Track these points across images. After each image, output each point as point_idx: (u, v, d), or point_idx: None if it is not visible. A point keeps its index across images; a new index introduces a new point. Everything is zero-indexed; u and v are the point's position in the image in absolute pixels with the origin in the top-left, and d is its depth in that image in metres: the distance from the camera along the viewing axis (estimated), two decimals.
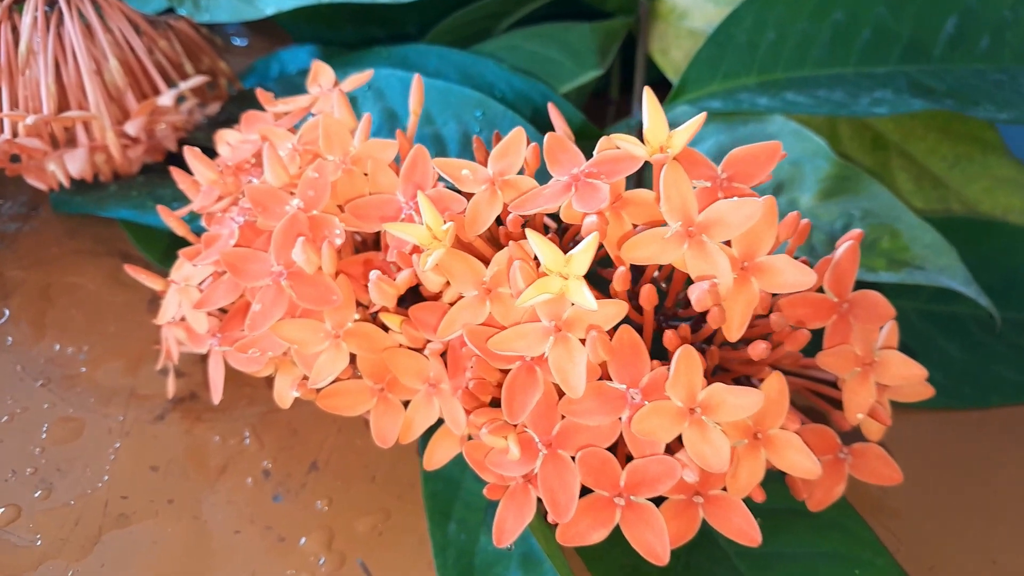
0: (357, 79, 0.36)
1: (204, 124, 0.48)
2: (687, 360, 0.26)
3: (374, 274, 0.28)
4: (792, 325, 0.28)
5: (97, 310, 0.43)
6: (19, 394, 0.38)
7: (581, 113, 0.43)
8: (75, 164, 0.43)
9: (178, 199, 0.44)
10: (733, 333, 0.27)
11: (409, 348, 0.31)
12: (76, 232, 0.47)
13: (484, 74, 0.44)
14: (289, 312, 0.30)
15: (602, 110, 0.54)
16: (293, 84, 0.48)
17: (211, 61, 0.48)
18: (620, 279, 0.26)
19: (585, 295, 0.25)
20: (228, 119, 0.49)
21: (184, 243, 0.44)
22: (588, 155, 0.32)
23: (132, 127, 0.42)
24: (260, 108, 0.50)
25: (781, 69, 0.43)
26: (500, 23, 0.50)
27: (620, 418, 0.27)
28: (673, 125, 0.40)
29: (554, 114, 0.34)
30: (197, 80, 0.44)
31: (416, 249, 0.29)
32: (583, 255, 0.26)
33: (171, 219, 0.35)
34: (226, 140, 0.37)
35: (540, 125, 0.41)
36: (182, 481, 0.35)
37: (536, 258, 0.27)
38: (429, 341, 0.30)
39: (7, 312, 0.42)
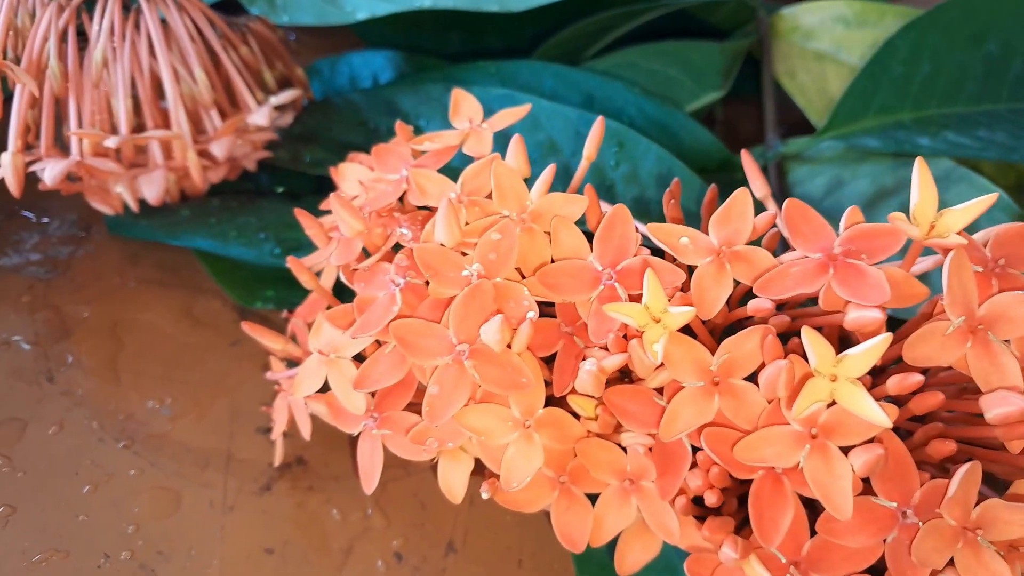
0: (512, 114, 0.31)
1: (279, 139, 0.43)
2: (972, 478, 0.23)
3: (590, 363, 0.24)
4: None
5: (173, 354, 0.38)
6: (100, 458, 0.33)
7: (720, 142, 0.39)
8: (152, 188, 0.37)
9: (265, 229, 0.39)
10: (1017, 448, 0.23)
11: (600, 436, 0.27)
12: (138, 259, 0.41)
13: (612, 98, 0.39)
14: (470, 398, 0.26)
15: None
16: (382, 99, 0.43)
17: (286, 67, 0.43)
18: (903, 387, 0.23)
19: (870, 406, 0.22)
20: (303, 133, 0.44)
21: (277, 277, 0.39)
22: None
23: (219, 148, 0.37)
24: (336, 118, 0.45)
25: (935, 105, 0.39)
26: (605, 37, 0.46)
27: (885, 539, 0.23)
28: (821, 159, 0.36)
29: (748, 164, 0.30)
30: (292, 95, 0.39)
31: (627, 329, 0.25)
32: (864, 358, 0.22)
33: (303, 273, 0.30)
34: (352, 176, 0.32)
35: (680, 158, 0.37)
36: (304, 567, 0.31)
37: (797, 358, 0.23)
38: (623, 429, 0.26)
39: (70, 357, 0.37)
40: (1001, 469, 0.26)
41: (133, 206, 0.39)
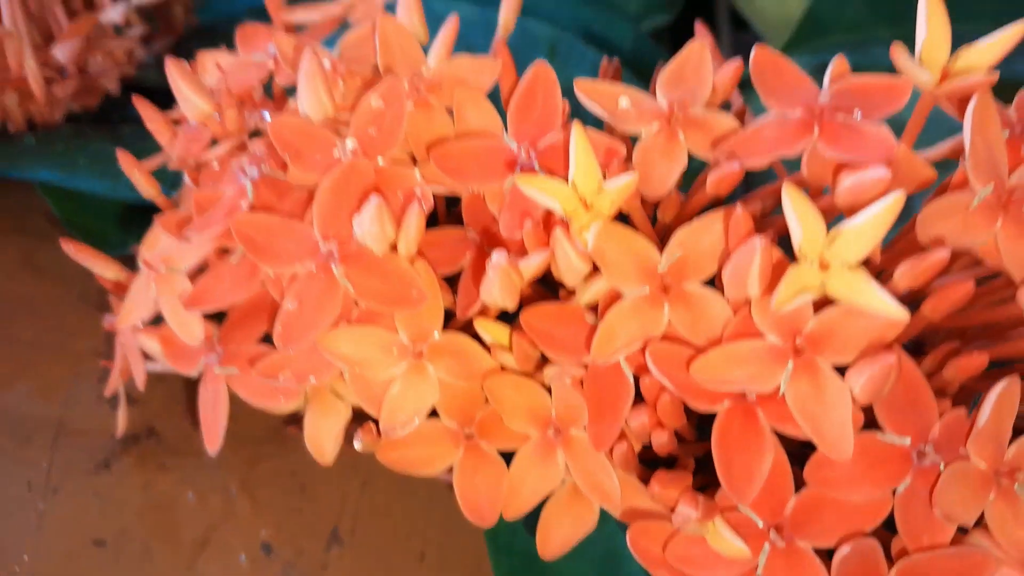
0: None
1: (151, 64, 0.37)
2: (1009, 401, 0.17)
3: (499, 256, 0.18)
4: None
5: (3, 308, 0.30)
6: None
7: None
8: None
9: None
10: None
11: (517, 373, 0.20)
12: None
13: (543, 4, 0.34)
14: (341, 316, 0.19)
15: None
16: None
17: None
18: (920, 271, 0.17)
19: (880, 295, 0.16)
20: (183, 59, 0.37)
21: (140, 220, 0.32)
22: None
23: (63, 52, 0.31)
24: (223, 43, 0.39)
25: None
26: None
27: (895, 490, 0.17)
28: None
29: (701, 31, 0.24)
30: None
31: (551, 220, 0.19)
32: (868, 230, 0.16)
33: (137, 171, 0.24)
34: (214, 63, 0.26)
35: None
36: (143, 563, 0.24)
37: None
38: (547, 364, 0.20)
39: None
40: None
41: None
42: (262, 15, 0.38)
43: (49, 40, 0.33)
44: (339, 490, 0.26)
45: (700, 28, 0.24)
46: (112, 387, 0.25)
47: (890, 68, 0.29)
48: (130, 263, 0.26)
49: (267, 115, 0.23)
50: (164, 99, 0.36)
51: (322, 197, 0.19)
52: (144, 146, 0.33)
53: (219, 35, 0.38)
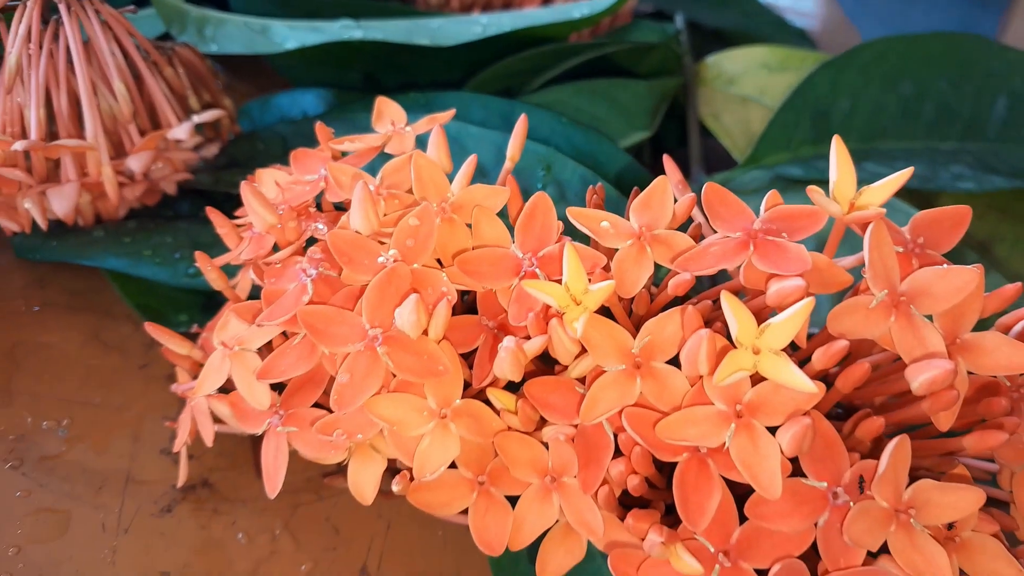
0: (435, 119, 0.31)
1: (202, 167, 0.42)
2: (902, 453, 0.22)
3: (509, 341, 0.23)
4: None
5: (77, 377, 0.35)
6: None
7: (645, 169, 0.39)
8: (62, 202, 0.36)
9: (181, 248, 0.38)
10: (944, 423, 0.23)
11: (521, 432, 0.25)
12: (45, 283, 0.39)
13: (539, 127, 0.40)
14: (383, 386, 0.24)
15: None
16: (308, 128, 0.43)
17: (213, 97, 0.43)
18: (828, 356, 0.22)
19: (797, 374, 0.21)
20: (229, 163, 0.43)
21: (192, 302, 0.37)
22: None
23: (136, 162, 0.36)
24: (262, 148, 0.44)
25: (855, 140, 0.40)
26: (537, 79, 0.47)
27: (816, 523, 0.22)
28: (745, 190, 0.36)
29: (669, 165, 0.30)
30: (214, 114, 0.38)
31: (548, 312, 0.24)
32: (787, 325, 0.21)
33: (212, 270, 0.29)
34: (269, 179, 0.31)
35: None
36: None
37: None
38: (545, 425, 0.25)
39: None
40: (932, 462, 0.25)
41: (41, 223, 0.37)
42: (292, 123, 0.45)
43: (120, 149, 0.38)
44: (367, 532, 0.31)
45: (668, 162, 0.30)
46: (180, 444, 0.29)
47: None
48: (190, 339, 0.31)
49: (321, 226, 0.28)
50: (211, 198, 0.42)
51: (370, 294, 0.24)
52: (197, 239, 0.39)
53: (257, 139, 0.44)
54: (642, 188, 0.34)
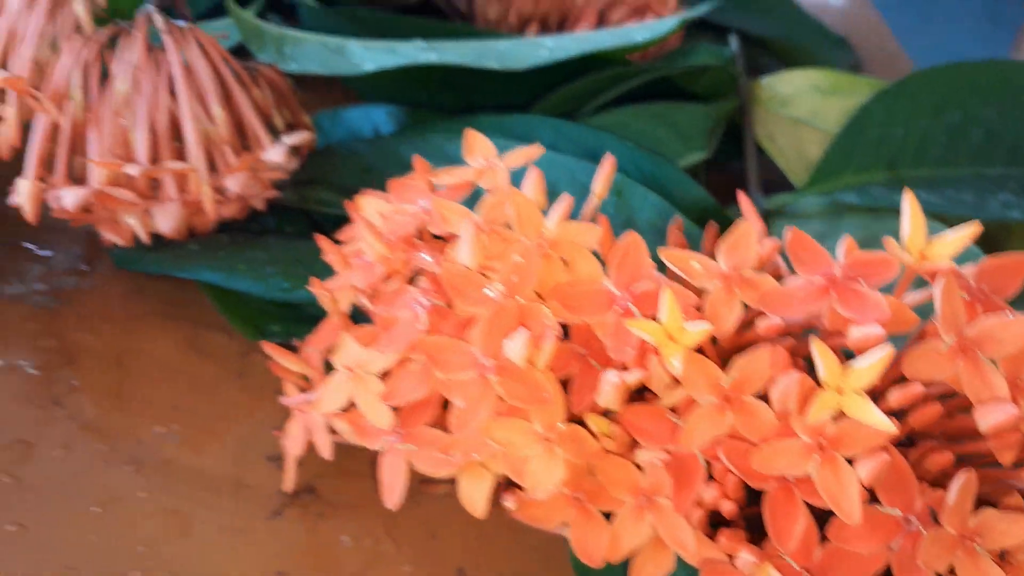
0: (524, 154, 0.33)
1: (286, 184, 0.45)
2: (969, 487, 0.24)
3: (612, 375, 0.26)
4: None
5: (180, 384, 0.38)
6: (108, 480, 0.33)
7: (711, 196, 0.41)
8: (167, 220, 0.38)
9: (274, 263, 0.40)
10: (1007, 459, 0.25)
11: (617, 455, 0.28)
12: (143, 292, 0.42)
13: (607, 150, 0.42)
14: (495, 410, 0.27)
15: None
16: (385, 147, 0.45)
17: (293, 114, 0.45)
18: (905, 398, 0.24)
19: (876, 414, 0.23)
20: (309, 180, 0.45)
21: (282, 312, 0.40)
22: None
23: (234, 182, 0.39)
24: (341, 165, 0.47)
25: (907, 166, 0.42)
26: (594, 100, 0.49)
27: (891, 546, 0.25)
28: (803, 214, 0.39)
29: (745, 204, 0.32)
30: (304, 136, 0.41)
31: (643, 346, 0.27)
32: (870, 371, 0.24)
33: (325, 296, 0.31)
34: (371, 207, 0.34)
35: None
36: None
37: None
38: (637, 447, 0.28)
39: (74, 382, 0.37)
40: (992, 488, 0.28)
41: (144, 238, 0.39)
42: (368, 142, 0.47)
43: (211, 166, 0.41)
44: (462, 537, 0.34)
45: (747, 208, 0.32)
46: (293, 454, 0.32)
47: (885, 205, 0.38)
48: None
49: (427, 257, 0.30)
50: (295, 214, 0.44)
51: (482, 327, 0.27)
52: (286, 254, 0.41)
53: (334, 155, 0.47)
54: (707, 213, 0.37)
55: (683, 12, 0.46)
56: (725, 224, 0.42)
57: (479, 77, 0.46)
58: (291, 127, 0.45)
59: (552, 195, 0.39)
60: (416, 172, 0.34)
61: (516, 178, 0.33)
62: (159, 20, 0.38)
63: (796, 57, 0.66)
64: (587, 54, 0.45)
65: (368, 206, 0.34)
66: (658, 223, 0.38)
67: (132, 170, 0.36)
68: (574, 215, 0.37)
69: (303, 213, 0.44)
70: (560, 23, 0.56)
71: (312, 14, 0.52)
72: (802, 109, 0.47)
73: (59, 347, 0.39)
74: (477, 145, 0.34)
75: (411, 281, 0.31)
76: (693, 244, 0.36)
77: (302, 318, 0.40)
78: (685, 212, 0.40)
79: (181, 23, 0.39)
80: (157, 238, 0.42)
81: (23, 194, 0.38)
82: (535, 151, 0.33)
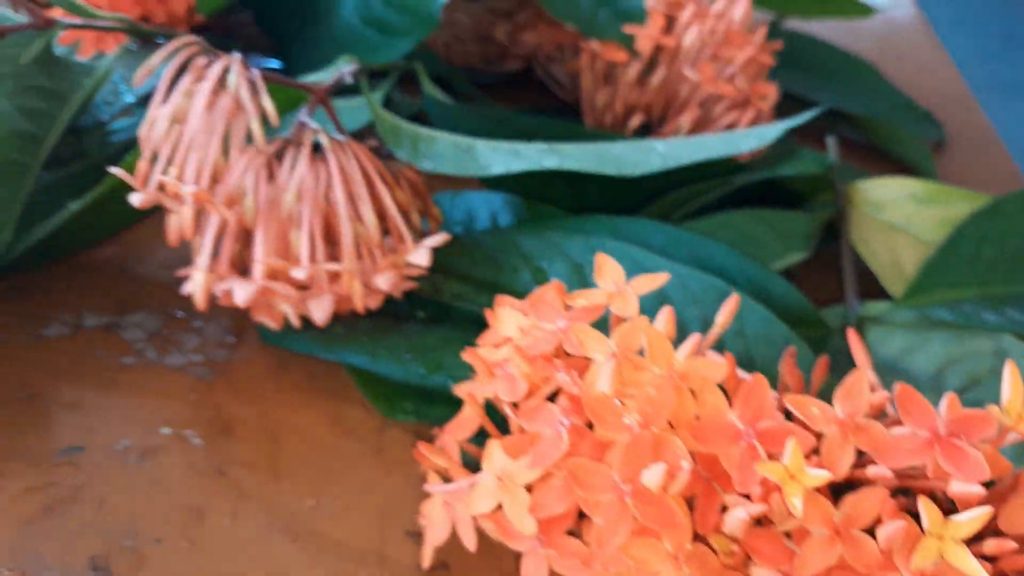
0: (651, 281, 0.37)
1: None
2: None
3: (741, 510, 0.30)
4: None
5: (325, 458, 0.43)
6: (272, 549, 0.38)
7: (809, 303, 0.45)
8: (321, 312, 0.43)
9: (412, 351, 0.45)
10: None
11: (736, 571, 0.32)
12: (287, 366, 0.47)
13: (715, 257, 0.46)
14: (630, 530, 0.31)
15: None
16: (506, 239, 0.49)
17: (427, 209, 0.50)
18: (1000, 550, 0.28)
19: (974, 564, 0.27)
20: (435, 266, 0.50)
21: (415, 391, 0.44)
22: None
23: (384, 281, 0.43)
24: (466, 254, 0.51)
25: (999, 284, 0.45)
26: (700, 199, 0.52)
27: None
28: (896, 324, 0.42)
29: (855, 342, 0.36)
30: (443, 238, 0.45)
31: (765, 480, 0.31)
32: (970, 525, 0.27)
33: (471, 400, 0.36)
34: (510, 321, 0.38)
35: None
36: None
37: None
38: (754, 565, 0.31)
39: (234, 453, 0.42)
40: None
41: (296, 323, 0.44)
42: (493, 235, 0.51)
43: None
44: None
45: (853, 338, 0.36)
46: (436, 541, 0.36)
47: (976, 324, 0.41)
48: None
49: (564, 376, 0.34)
50: (422, 302, 0.49)
51: (621, 454, 0.31)
52: (420, 340, 0.46)
53: (461, 246, 0.51)
54: (804, 316, 0.40)
55: (786, 120, 0.50)
56: (820, 328, 0.45)
57: (591, 177, 0.50)
58: (421, 214, 0.50)
59: (662, 299, 0.44)
60: (555, 294, 0.38)
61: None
62: (324, 139, 0.43)
63: (880, 132, 0.68)
64: (697, 162, 0.48)
65: (507, 319, 0.38)
66: (767, 334, 0.42)
67: (299, 273, 0.41)
68: (681, 322, 0.41)
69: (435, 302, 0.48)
70: (663, 113, 0.60)
71: (439, 108, 0.57)
72: (897, 215, 0.50)
73: (217, 418, 0.44)
74: (607, 269, 0.38)
75: (550, 397, 0.35)
76: (801, 363, 0.40)
77: (433, 398, 0.45)
78: (783, 313, 0.44)
79: (340, 137, 0.44)
80: (305, 320, 0.47)
81: (196, 284, 0.43)
82: (661, 279, 0.37)
